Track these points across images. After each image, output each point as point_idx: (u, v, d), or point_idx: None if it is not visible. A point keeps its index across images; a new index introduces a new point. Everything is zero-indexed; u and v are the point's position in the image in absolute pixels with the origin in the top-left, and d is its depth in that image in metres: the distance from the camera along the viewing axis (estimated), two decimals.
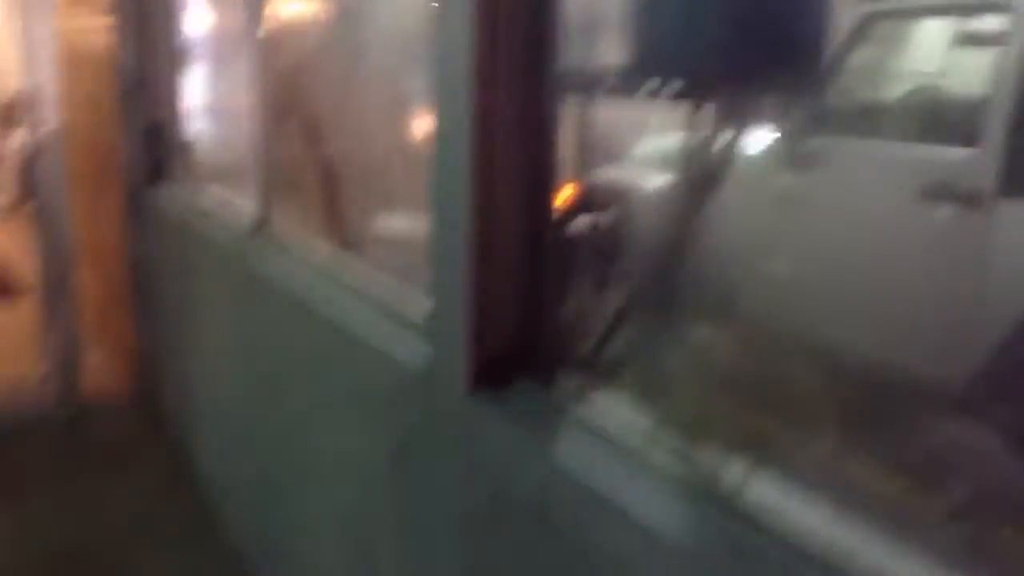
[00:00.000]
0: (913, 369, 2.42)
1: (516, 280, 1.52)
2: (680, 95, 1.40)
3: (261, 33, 2.85)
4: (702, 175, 1.40)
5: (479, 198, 1.46)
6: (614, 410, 1.45)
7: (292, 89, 3.03)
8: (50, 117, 3.80)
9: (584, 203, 1.80)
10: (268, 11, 2.89)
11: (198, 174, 3.70)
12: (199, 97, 3.91)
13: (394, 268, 2.00)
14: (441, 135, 1.55)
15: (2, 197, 8.65)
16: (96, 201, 5.13)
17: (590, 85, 1.58)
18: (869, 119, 2.71)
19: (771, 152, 2.77)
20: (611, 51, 1.52)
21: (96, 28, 4.75)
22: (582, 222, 1.58)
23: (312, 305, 2.21)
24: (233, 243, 2.85)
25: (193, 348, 3.49)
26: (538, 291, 1.52)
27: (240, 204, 3.03)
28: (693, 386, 1.59)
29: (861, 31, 2.80)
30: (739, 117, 1.39)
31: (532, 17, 1.45)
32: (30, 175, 3.83)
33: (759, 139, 2.70)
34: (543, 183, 1.51)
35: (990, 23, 2.51)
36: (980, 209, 2.37)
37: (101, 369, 4.44)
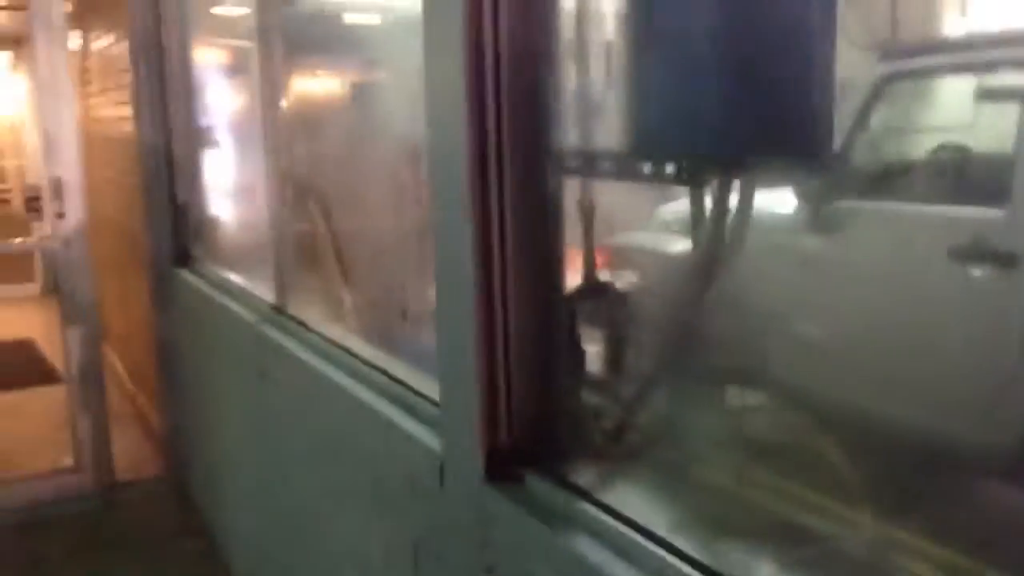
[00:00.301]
0: (954, 435, 2.31)
1: (528, 363, 1.47)
2: (679, 178, 1.36)
3: (277, 114, 2.86)
4: (716, 242, 1.35)
5: (483, 280, 1.42)
6: (636, 499, 1.38)
7: (307, 168, 3.04)
8: (76, 204, 3.85)
9: (596, 273, 1.76)
10: (285, 92, 2.91)
11: (221, 255, 3.71)
12: (221, 178, 3.94)
13: (409, 349, 1.96)
14: (441, 217, 1.51)
15: (31, 286, 8.83)
16: (123, 284, 5.18)
17: (589, 166, 1.55)
18: (893, 180, 2.64)
19: (793, 216, 2.70)
20: (611, 133, 1.49)
21: (117, 115, 4.85)
22: (595, 292, 1.52)
23: (328, 388, 2.16)
24: (253, 325, 2.83)
25: (217, 430, 3.46)
26: (551, 372, 1.46)
27: (260, 285, 3.01)
28: (719, 471, 1.51)
29: (881, 92, 2.75)
30: (747, 187, 1.34)
31: (526, 96, 1.42)
32: (57, 263, 3.86)
33: (779, 203, 2.64)
34: (549, 261, 1.46)
35: (1015, 79, 2.46)
36: (1015, 269, 2.28)
37: (130, 452, 4.43)
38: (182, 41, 3.87)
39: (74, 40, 6.74)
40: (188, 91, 3.89)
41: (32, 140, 8.54)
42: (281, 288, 2.80)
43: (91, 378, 3.99)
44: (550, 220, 1.44)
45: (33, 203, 3.74)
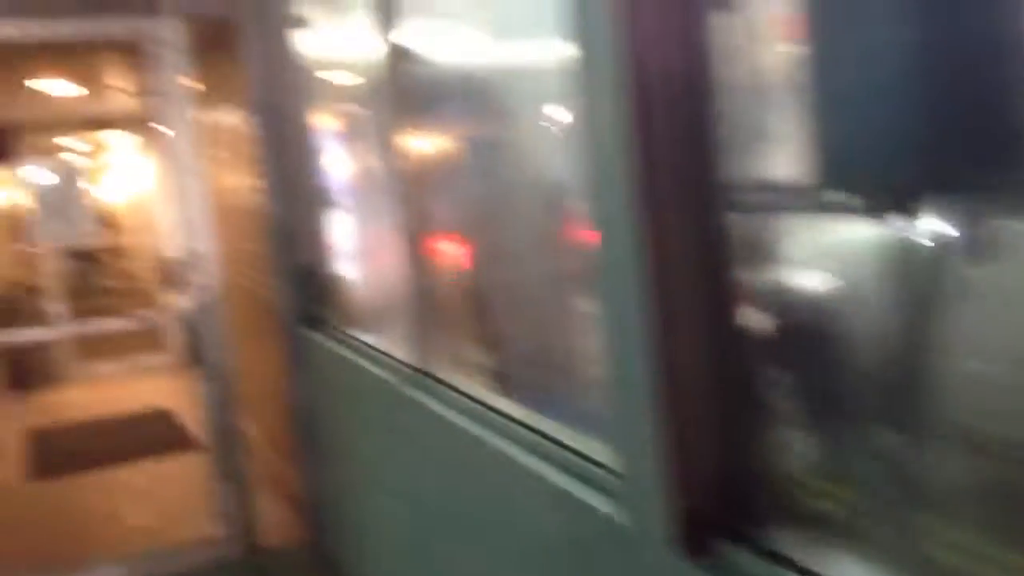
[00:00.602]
0: None
1: (715, 418, 1.34)
2: (875, 209, 1.22)
3: (400, 171, 2.84)
4: (936, 276, 1.21)
5: (658, 330, 1.30)
6: (850, 568, 1.23)
7: (438, 223, 2.99)
8: (211, 274, 3.91)
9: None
10: (406, 148, 2.88)
11: (352, 316, 3.70)
12: (345, 239, 3.95)
13: (570, 409, 1.85)
14: (605, 262, 1.40)
15: (163, 356, 9.13)
16: (252, 350, 5.26)
17: (765, 199, 1.42)
18: None
19: (954, 242, 2.49)
20: (784, 162, 1.36)
21: (240, 185, 4.97)
22: (785, 334, 1.38)
23: (482, 452, 2.07)
24: (393, 385, 2.78)
25: (361, 494, 3.42)
26: (743, 426, 1.33)
27: (397, 344, 2.97)
28: (950, 531, 1.34)
29: None
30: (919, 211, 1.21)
31: (691, 129, 1.31)
32: (195, 335, 3.93)
33: (938, 228, 2.43)
34: (727, 304, 1.34)
35: None
36: None
37: (270, 518, 4.44)
38: (301, 109, 3.92)
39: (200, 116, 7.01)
40: (308, 156, 3.93)
41: (160, 217, 8.92)
42: (421, 347, 2.74)
43: (232, 445, 4.03)
44: (726, 260, 1.32)
45: (171, 275, 3.82)
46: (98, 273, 18.86)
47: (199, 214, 3.87)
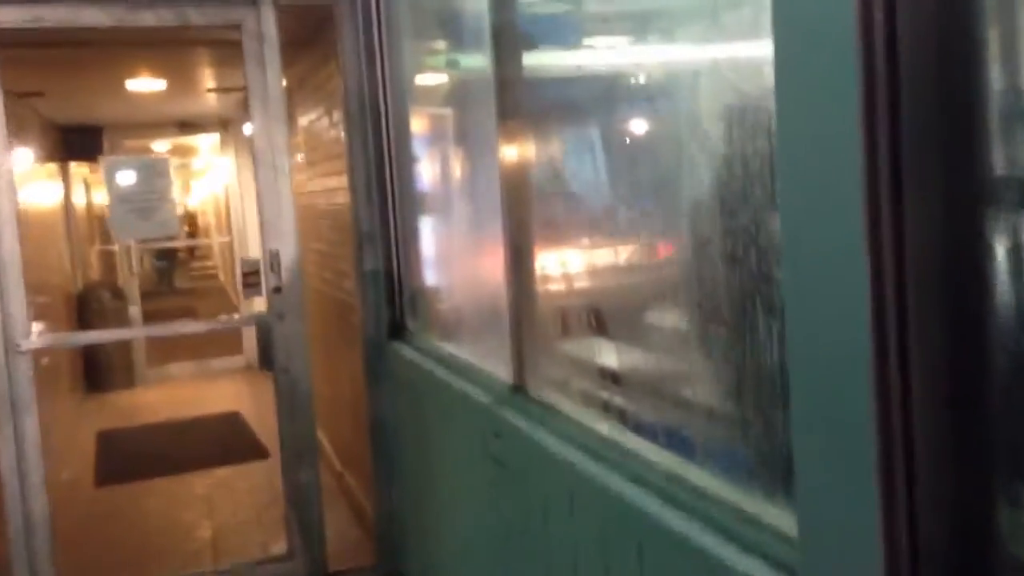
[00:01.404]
0: None
1: (950, 483, 1.03)
2: None
3: (506, 176, 2.58)
4: None
5: (878, 364, 1.00)
6: None
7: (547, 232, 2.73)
8: (293, 278, 3.71)
9: None
10: (513, 151, 2.63)
11: (441, 327, 3.46)
12: (440, 245, 3.72)
13: (715, 451, 1.55)
14: (804, 270, 1.11)
15: (238, 358, 9.07)
16: (330, 359, 5.07)
17: None
18: None
19: None
20: None
21: (326, 187, 4.78)
22: None
23: (592, 490, 1.79)
24: (487, 407, 2.51)
25: (440, 519, 3.15)
26: (985, 502, 1.02)
27: (492, 360, 2.71)
28: None
29: None
30: None
31: (941, 104, 1.01)
32: (273, 338, 3.73)
33: None
34: (974, 333, 1.03)
35: None
36: None
37: (340, 537, 4.22)
38: (397, 108, 3.70)
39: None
40: (401, 158, 3.71)
41: (239, 217, 8.86)
42: (520, 364, 2.48)
43: (305, 460, 3.81)
44: (973, 275, 1.02)
45: (250, 277, 3.63)
46: (180, 273, 19.10)
47: (285, 214, 3.67)
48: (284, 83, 5.93)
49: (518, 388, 2.46)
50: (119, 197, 3.56)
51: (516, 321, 2.54)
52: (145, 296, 11.16)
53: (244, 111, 7.83)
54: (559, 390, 2.30)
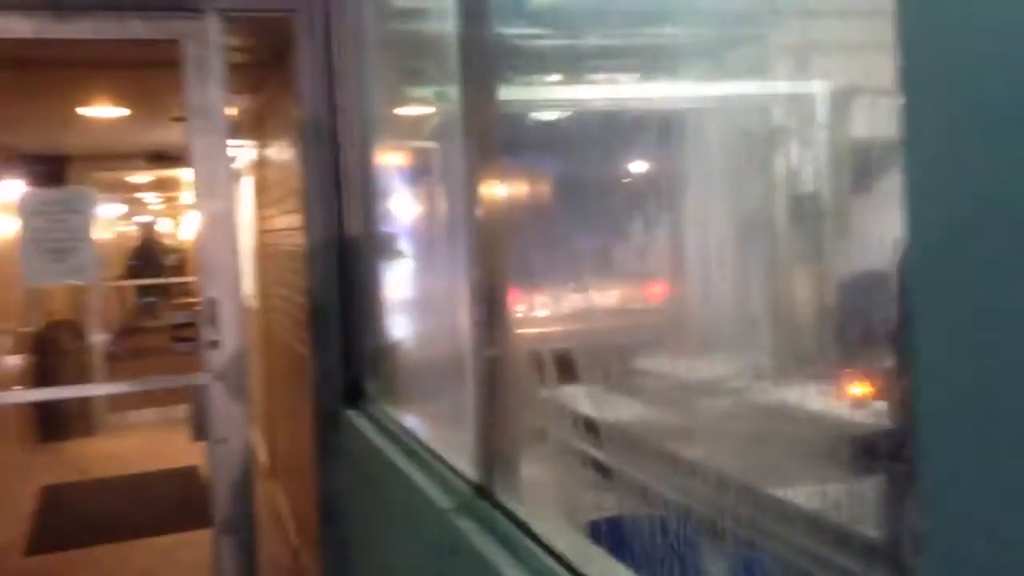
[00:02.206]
0: None
1: None
2: None
3: (479, 217, 2.09)
4: None
5: None
6: None
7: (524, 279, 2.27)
8: (233, 331, 3.18)
9: None
10: (489, 190, 2.14)
11: (403, 393, 2.93)
12: (405, 296, 3.20)
13: None
14: None
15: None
16: (295, 414, 4.53)
17: None
18: None
19: None
20: None
21: (290, 225, 4.28)
22: None
23: None
24: (441, 512, 1.98)
25: None
26: None
27: (455, 445, 2.19)
28: None
29: None
30: None
31: None
32: (207, 403, 3.19)
33: None
34: None
35: None
36: None
37: None
38: (360, 137, 3.21)
39: (250, 149, 6.42)
40: (366, 194, 3.21)
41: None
42: (487, 457, 1.95)
43: (242, 547, 3.25)
44: None
45: (181, 330, 3.10)
46: (162, 311, 18.50)
47: (225, 255, 3.16)
48: (248, 108, 5.45)
49: (483, 491, 1.93)
50: (32, 235, 3.04)
51: (483, 398, 2.03)
52: (129, 332, 10.57)
53: None
54: (536, 498, 1.77)
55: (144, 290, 15.70)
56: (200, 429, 3.18)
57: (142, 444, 7.59)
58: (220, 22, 3.08)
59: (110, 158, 8.58)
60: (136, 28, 2.98)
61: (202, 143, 3.14)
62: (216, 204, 3.16)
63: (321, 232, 3.22)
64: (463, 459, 2.05)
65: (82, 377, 7.73)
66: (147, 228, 17.57)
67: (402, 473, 2.32)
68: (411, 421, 2.64)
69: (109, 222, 16.46)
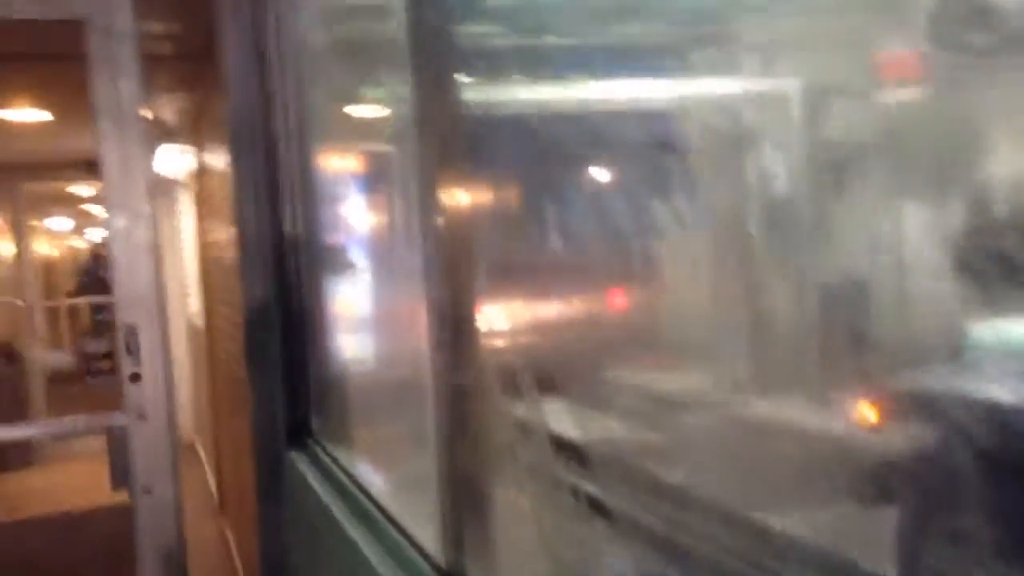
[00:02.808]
0: None
1: None
2: None
3: (437, 223, 1.71)
4: None
5: None
6: None
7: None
8: (157, 363, 2.73)
9: None
10: (448, 195, 1.76)
11: (353, 437, 2.50)
12: (354, 320, 2.77)
13: None
14: None
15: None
16: (242, 445, 4.07)
17: None
18: None
19: None
20: None
21: (230, 237, 3.82)
22: None
23: None
24: None
25: None
26: None
27: (413, 509, 1.78)
28: None
29: None
30: None
31: None
32: (126, 446, 2.74)
33: None
34: None
35: None
36: None
37: None
38: (300, 135, 2.77)
39: (189, 155, 5.94)
40: (308, 199, 2.77)
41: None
42: (453, 529, 1.53)
43: None
44: None
45: (96, 362, 2.64)
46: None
47: (142, 278, 2.71)
48: (183, 108, 4.98)
49: (452, 561, 1.51)
50: None
51: (447, 440, 1.63)
52: (83, 355, 9.97)
53: (158, 145, 6.88)
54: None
55: (98, 307, 15.06)
56: (119, 477, 2.72)
57: (84, 476, 7.04)
58: (131, 1, 2.63)
59: (47, 167, 8.02)
60: (21, 5, 2.51)
61: (113, 149, 2.69)
62: (132, 218, 2.70)
63: (255, 243, 2.77)
64: (427, 530, 1.63)
65: (15, 405, 7.18)
66: (97, 243, 16.93)
67: (351, 543, 1.89)
68: (363, 470, 2.21)
69: (56, 236, 15.83)
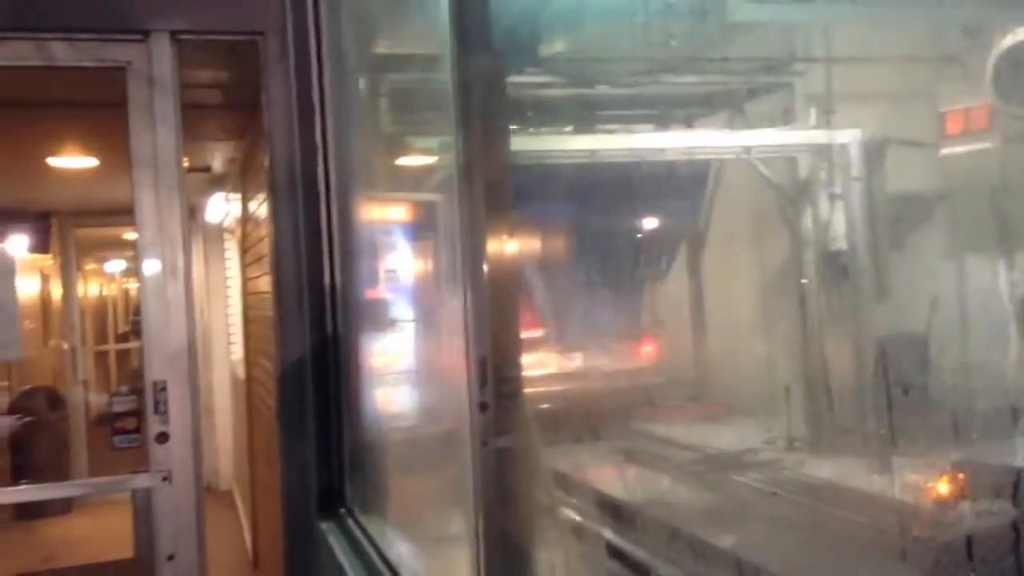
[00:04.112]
0: None
1: None
2: None
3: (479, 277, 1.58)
4: None
5: None
6: None
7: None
8: (186, 421, 2.60)
9: None
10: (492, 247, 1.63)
11: (390, 506, 2.34)
12: (393, 381, 2.62)
13: None
14: None
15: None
16: (274, 515, 3.92)
17: None
18: None
19: None
20: None
21: (268, 290, 3.71)
22: None
23: None
24: None
25: None
26: None
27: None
28: None
29: None
30: None
31: None
32: (154, 510, 2.59)
33: None
34: None
35: None
36: None
37: None
38: (340, 188, 2.66)
39: (235, 204, 5.89)
40: (349, 251, 2.65)
41: (203, 321, 7.77)
42: None
43: None
44: None
45: (120, 420, 2.53)
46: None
47: (173, 332, 2.59)
48: (232, 157, 4.92)
49: None
50: None
51: (486, 512, 1.49)
52: (109, 414, 9.84)
53: (208, 194, 6.87)
54: None
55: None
56: (142, 543, 2.58)
57: (123, 525, 6.95)
58: (171, 47, 2.54)
59: (96, 214, 8.08)
60: (63, 54, 2.44)
61: (148, 197, 2.59)
62: (166, 270, 2.59)
63: (293, 295, 2.65)
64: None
65: (54, 452, 7.13)
66: None
67: None
68: (400, 549, 2.03)
69: (114, 280, 16.04)
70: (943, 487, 2.52)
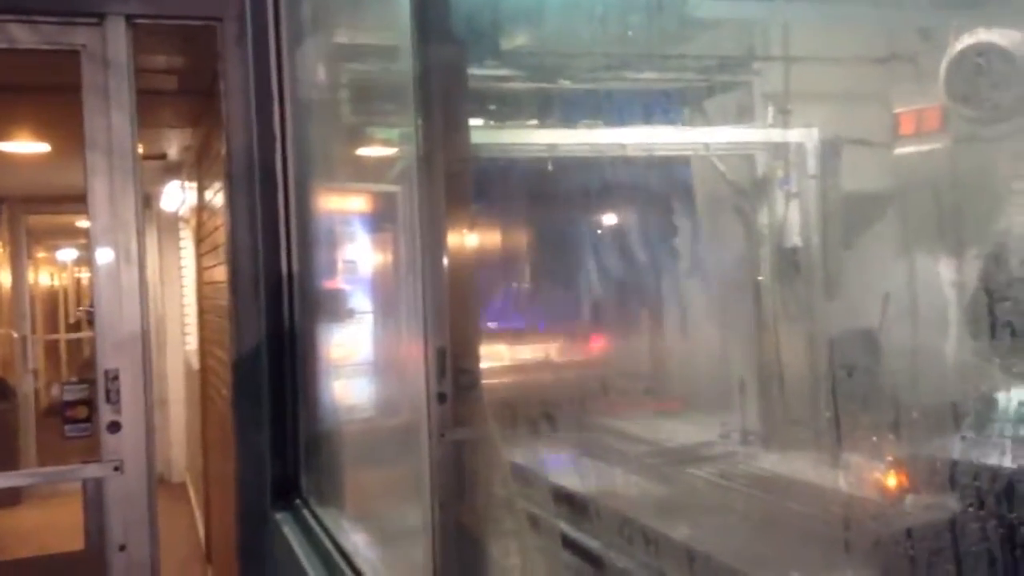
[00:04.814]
0: None
1: None
2: None
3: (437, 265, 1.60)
4: None
5: None
6: None
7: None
8: (138, 411, 2.57)
9: None
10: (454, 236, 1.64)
11: (344, 496, 2.33)
12: (348, 369, 2.61)
13: None
14: None
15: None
16: (226, 507, 3.89)
17: None
18: None
19: None
20: None
21: (222, 279, 3.67)
22: None
23: None
24: None
25: None
26: None
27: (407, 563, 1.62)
28: None
29: None
30: None
31: None
32: (104, 501, 2.56)
33: None
34: None
35: None
36: None
37: None
38: (298, 177, 2.64)
39: (191, 192, 5.82)
40: (306, 241, 2.63)
41: (157, 309, 7.65)
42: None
43: None
44: None
45: (72, 408, 2.49)
46: None
47: (125, 320, 2.55)
48: (188, 145, 4.86)
49: None
50: None
51: (441, 503, 1.50)
52: (59, 402, 9.69)
53: (163, 182, 6.77)
54: None
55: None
56: (93, 534, 2.55)
57: (73, 516, 6.84)
58: (127, 31, 2.51)
59: (48, 200, 7.92)
60: (17, 36, 2.39)
61: (102, 184, 2.55)
62: (119, 257, 2.56)
63: (248, 284, 2.63)
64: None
65: (5, 439, 7.00)
66: None
67: None
68: (355, 540, 2.03)
69: (65, 268, 15.75)
70: (890, 480, 2.61)
